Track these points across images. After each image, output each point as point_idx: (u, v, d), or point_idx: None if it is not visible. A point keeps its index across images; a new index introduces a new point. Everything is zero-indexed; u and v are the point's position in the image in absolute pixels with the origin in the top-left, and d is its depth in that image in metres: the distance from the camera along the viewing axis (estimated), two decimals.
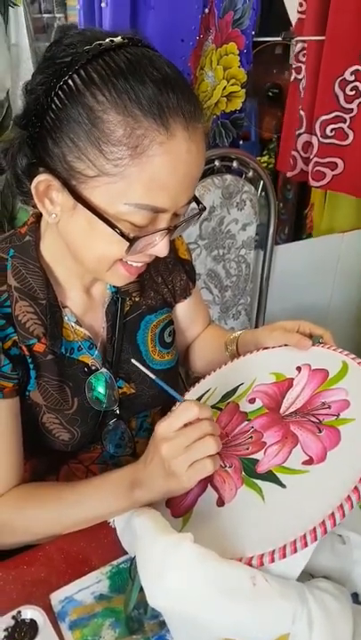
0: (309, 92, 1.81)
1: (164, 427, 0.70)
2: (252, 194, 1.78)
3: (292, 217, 2.38)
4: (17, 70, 1.82)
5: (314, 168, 1.84)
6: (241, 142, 1.95)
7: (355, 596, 0.67)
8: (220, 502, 0.70)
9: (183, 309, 1.07)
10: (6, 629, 0.65)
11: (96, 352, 0.89)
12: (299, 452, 0.70)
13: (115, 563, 0.75)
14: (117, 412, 0.92)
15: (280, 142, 2.06)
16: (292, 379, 0.82)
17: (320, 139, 1.80)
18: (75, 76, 0.66)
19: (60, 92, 0.67)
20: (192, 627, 0.62)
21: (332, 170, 1.84)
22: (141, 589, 0.62)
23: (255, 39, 1.82)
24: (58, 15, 2.20)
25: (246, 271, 1.89)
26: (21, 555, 0.78)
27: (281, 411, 0.78)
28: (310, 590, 0.60)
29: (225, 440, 0.78)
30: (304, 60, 1.81)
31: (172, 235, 0.75)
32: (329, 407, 0.74)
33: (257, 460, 0.72)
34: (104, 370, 0.90)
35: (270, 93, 2.35)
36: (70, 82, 0.66)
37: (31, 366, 0.83)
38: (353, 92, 1.73)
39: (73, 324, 0.87)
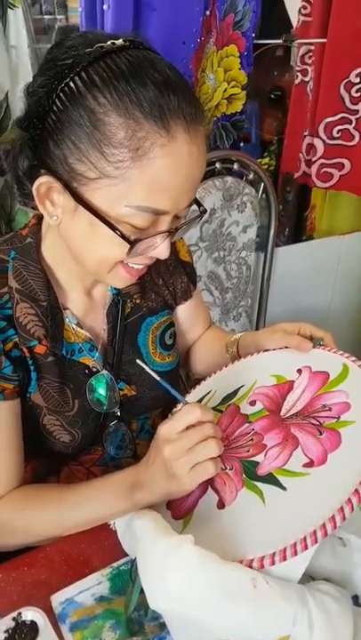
0: (317, 94, 1.82)
1: (167, 429, 0.70)
2: (253, 196, 1.78)
3: (291, 219, 2.38)
4: (16, 72, 1.82)
5: (321, 169, 1.85)
6: (242, 144, 1.95)
7: (355, 598, 0.67)
8: (221, 505, 0.70)
9: (184, 311, 1.07)
10: (7, 631, 0.65)
11: (97, 354, 0.89)
12: (299, 454, 0.70)
13: (115, 564, 0.75)
14: (118, 413, 0.92)
15: (284, 144, 2.06)
16: (293, 381, 0.82)
17: (326, 140, 1.81)
18: (76, 78, 0.66)
19: (61, 94, 0.67)
20: (192, 628, 0.62)
21: (340, 170, 1.86)
22: (142, 591, 0.62)
23: (256, 41, 1.82)
24: (59, 17, 2.21)
25: (247, 273, 1.89)
26: (22, 556, 0.78)
27: (282, 413, 0.78)
28: (311, 592, 0.60)
29: (226, 442, 0.78)
30: (310, 62, 1.82)
31: (173, 237, 0.75)
32: (330, 409, 0.74)
33: (257, 463, 0.72)
34: (105, 372, 0.90)
35: (272, 96, 2.35)
36: (72, 84, 0.66)
37: (32, 368, 0.83)
38: (358, 94, 1.75)
39: (74, 326, 0.87)
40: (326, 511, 0.60)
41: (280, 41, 1.82)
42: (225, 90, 1.78)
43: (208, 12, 1.68)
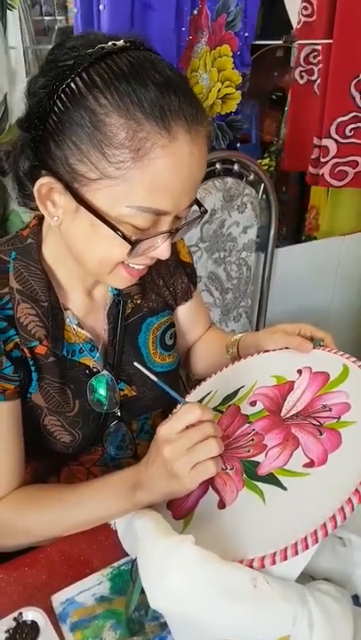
0: (325, 95, 1.82)
1: (167, 429, 0.70)
2: (253, 196, 1.78)
3: (289, 219, 2.38)
4: (15, 73, 1.82)
5: (335, 169, 1.85)
6: (239, 145, 1.94)
7: (355, 598, 0.67)
8: (222, 504, 0.70)
9: (184, 312, 1.07)
10: (7, 631, 0.65)
11: (97, 354, 0.89)
12: (300, 454, 0.70)
13: (116, 564, 0.75)
14: (118, 414, 0.93)
15: (287, 143, 2.06)
16: (293, 381, 0.82)
17: (340, 140, 1.81)
18: (77, 79, 0.66)
19: (62, 95, 0.67)
20: (193, 628, 0.62)
21: (354, 168, 1.86)
22: (142, 591, 0.62)
23: (256, 42, 1.82)
24: (59, 18, 2.21)
25: (247, 274, 1.90)
26: (22, 556, 0.78)
27: (282, 413, 0.78)
28: (311, 592, 0.60)
29: (226, 442, 0.78)
30: (316, 61, 1.82)
31: (174, 237, 0.75)
32: (330, 410, 0.74)
33: (258, 463, 0.72)
34: (105, 372, 0.90)
35: (273, 96, 2.35)
36: (73, 85, 0.66)
37: (33, 368, 0.83)
38: None
39: (74, 327, 0.87)
40: (327, 511, 0.60)
41: (280, 42, 1.81)
42: (219, 90, 1.78)
43: (196, 12, 1.68)
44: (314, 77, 1.85)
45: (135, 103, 0.64)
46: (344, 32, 1.69)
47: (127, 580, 0.71)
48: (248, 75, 1.80)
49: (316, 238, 2.19)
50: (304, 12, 1.81)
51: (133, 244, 0.69)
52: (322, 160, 1.87)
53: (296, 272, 2.05)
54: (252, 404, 0.83)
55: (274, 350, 0.91)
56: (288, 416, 0.77)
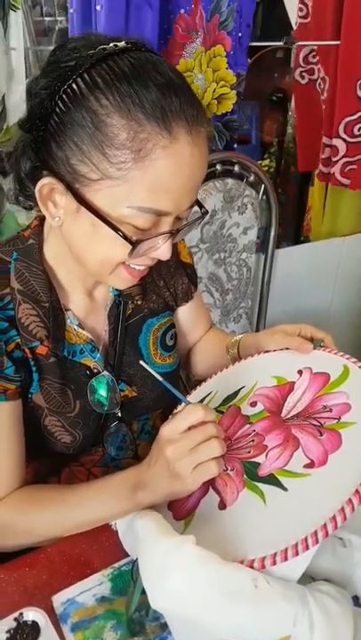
0: (333, 95, 1.83)
1: (169, 429, 0.71)
2: (254, 197, 1.78)
3: (287, 220, 2.38)
4: (14, 74, 1.82)
5: (345, 167, 1.86)
6: (236, 145, 1.94)
7: (355, 598, 0.67)
8: (222, 505, 0.70)
9: (185, 313, 1.07)
10: (8, 631, 0.66)
11: (98, 355, 0.89)
12: (300, 455, 0.70)
13: (116, 565, 0.75)
14: (119, 414, 0.93)
15: (297, 144, 2.07)
16: (294, 382, 0.82)
17: (348, 139, 1.82)
18: (79, 79, 0.67)
19: (64, 96, 0.67)
20: (193, 628, 0.62)
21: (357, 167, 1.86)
22: (143, 591, 0.62)
23: (257, 43, 1.82)
24: (59, 19, 2.21)
25: (247, 275, 1.90)
26: (23, 557, 0.78)
27: (282, 414, 0.78)
28: (311, 593, 0.60)
29: (227, 443, 0.78)
30: (315, 60, 1.82)
31: (175, 238, 0.76)
32: (330, 410, 0.74)
33: (258, 464, 0.72)
34: (106, 373, 0.90)
35: (274, 98, 2.36)
36: (74, 86, 0.67)
37: (34, 369, 0.83)
38: None
39: (75, 327, 0.87)
40: (327, 511, 0.60)
41: (280, 43, 1.81)
42: (214, 90, 1.78)
43: (184, 11, 1.68)
44: (315, 77, 1.85)
45: (136, 104, 0.64)
46: (349, 33, 1.70)
47: (128, 581, 0.71)
48: (243, 75, 1.79)
49: (309, 240, 2.20)
50: (300, 14, 1.82)
51: (134, 244, 0.70)
52: (333, 159, 1.88)
53: (296, 273, 2.05)
54: (253, 404, 0.83)
55: (274, 351, 0.91)
56: (288, 417, 0.77)
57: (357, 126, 1.80)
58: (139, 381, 0.94)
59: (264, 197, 1.82)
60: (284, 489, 0.67)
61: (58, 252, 0.83)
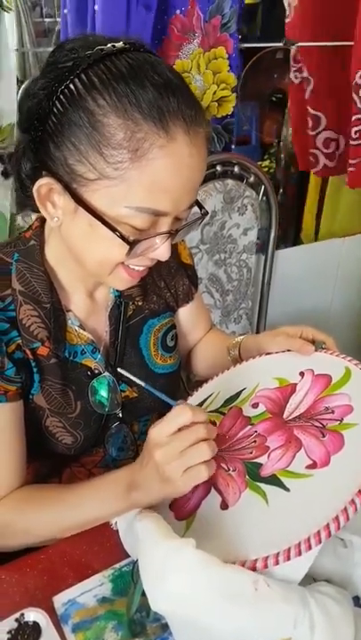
0: (319, 90, 1.82)
1: (157, 431, 0.69)
2: (254, 198, 1.79)
3: (286, 221, 2.38)
4: (2, 76, 1.81)
5: (348, 169, 1.85)
6: (233, 147, 1.94)
7: (356, 599, 0.67)
8: (224, 505, 0.70)
9: (185, 314, 1.07)
10: (9, 632, 0.66)
11: (99, 356, 0.89)
12: (302, 456, 0.70)
13: (117, 566, 0.75)
14: (120, 415, 0.93)
15: (293, 143, 2.06)
16: (296, 384, 0.82)
17: (350, 140, 1.80)
18: (76, 80, 0.67)
19: (61, 97, 0.67)
20: (194, 630, 0.62)
21: (355, 169, 1.83)
22: (144, 592, 0.62)
23: (256, 44, 1.82)
24: (59, 20, 2.21)
25: (247, 275, 1.90)
26: (24, 558, 0.78)
27: (284, 415, 0.78)
28: (312, 594, 0.60)
29: (228, 444, 0.78)
30: (300, 59, 1.82)
31: (174, 239, 0.75)
32: (332, 412, 0.74)
33: (261, 464, 0.72)
34: (107, 374, 0.90)
35: (273, 98, 2.36)
36: (72, 86, 0.67)
37: (35, 370, 0.83)
38: None
39: (76, 328, 0.87)
40: (330, 512, 0.60)
41: (280, 44, 1.82)
42: (215, 92, 1.78)
43: (180, 12, 1.68)
44: (305, 74, 1.85)
45: (133, 104, 0.64)
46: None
47: (129, 582, 0.71)
48: (241, 77, 1.80)
49: (302, 242, 2.20)
50: (286, 14, 1.82)
51: (131, 244, 0.69)
52: (324, 152, 1.87)
53: (296, 274, 2.05)
54: (255, 405, 0.83)
55: (276, 353, 0.91)
56: (290, 418, 0.77)
57: (354, 129, 1.76)
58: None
59: (264, 198, 1.83)
60: (287, 489, 0.67)
61: (58, 253, 0.84)
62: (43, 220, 0.86)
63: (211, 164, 1.69)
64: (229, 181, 1.72)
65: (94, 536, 0.79)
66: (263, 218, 1.85)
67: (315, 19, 1.77)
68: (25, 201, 0.79)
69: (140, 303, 0.95)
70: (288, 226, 2.33)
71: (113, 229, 0.69)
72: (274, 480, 0.69)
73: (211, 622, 0.58)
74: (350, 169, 1.83)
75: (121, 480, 0.76)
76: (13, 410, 0.82)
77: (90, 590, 0.72)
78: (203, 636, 0.62)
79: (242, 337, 1.02)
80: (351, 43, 1.67)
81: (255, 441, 0.76)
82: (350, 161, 1.81)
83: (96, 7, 1.58)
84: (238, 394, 0.88)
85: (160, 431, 0.69)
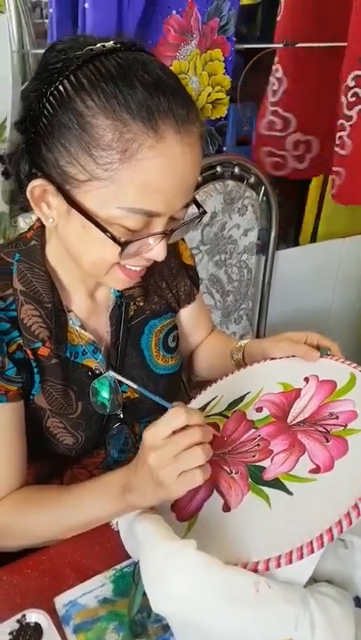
0: (292, 90, 1.81)
1: (152, 434, 0.67)
2: (254, 199, 1.78)
3: (286, 222, 2.38)
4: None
5: (332, 176, 1.81)
6: (225, 149, 1.93)
7: (357, 600, 0.67)
8: (226, 508, 0.70)
9: (187, 314, 1.07)
10: (11, 633, 0.66)
11: (100, 356, 0.89)
12: (306, 460, 0.70)
13: (118, 567, 0.75)
14: (121, 416, 0.93)
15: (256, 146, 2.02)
16: (300, 389, 0.82)
17: (335, 147, 1.77)
18: (65, 81, 0.67)
19: (51, 98, 0.68)
20: (195, 631, 0.62)
21: (340, 179, 1.79)
22: (145, 593, 0.62)
23: (256, 45, 1.82)
24: None
25: (248, 276, 1.90)
26: (25, 559, 0.78)
27: (288, 420, 0.78)
28: (312, 595, 0.60)
29: (231, 447, 0.78)
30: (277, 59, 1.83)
31: (170, 238, 0.75)
32: (337, 418, 0.74)
33: (264, 468, 0.72)
34: (107, 374, 0.90)
35: None
36: (61, 87, 0.67)
37: (35, 370, 0.83)
38: (353, 99, 1.70)
39: (77, 328, 0.87)
40: (333, 515, 0.60)
41: (280, 45, 1.82)
42: (209, 94, 1.78)
43: (176, 12, 1.67)
44: (280, 74, 1.84)
45: (122, 104, 0.64)
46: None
47: (130, 583, 0.71)
48: (241, 77, 1.80)
49: (299, 243, 2.20)
50: (278, 14, 1.82)
51: (123, 245, 0.69)
52: (293, 154, 1.86)
53: (297, 274, 2.05)
54: (259, 409, 0.83)
55: (280, 358, 0.91)
56: (294, 423, 0.77)
57: (338, 134, 1.74)
58: (141, 383, 0.93)
59: (264, 199, 1.83)
60: (290, 493, 0.67)
61: (59, 253, 0.84)
62: None
63: (211, 165, 1.68)
64: (230, 182, 1.71)
65: (95, 537, 0.79)
66: (263, 218, 1.85)
67: (303, 17, 1.77)
68: (17, 200, 0.79)
69: (141, 304, 0.95)
70: (290, 226, 2.33)
71: (104, 230, 0.69)
72: (277, 484, 0.69)
73: (212, 623, 0.58)
74: (335, 177, 1.79)
75: (116, 482, 0.76)
76: (14, 410, 0.82)
77: (91, 591, 0.72)
78: (204, 638, 0.62)
79: (245, 341, 1.02)
80: (344, 44, 1.66)
81: (259, 444, 0.76)
82: (334, 168, 1.79)
83: (86, 5, 1.57)
84: (242, 397, 0.87)
85: (154, 434, 0.67)
